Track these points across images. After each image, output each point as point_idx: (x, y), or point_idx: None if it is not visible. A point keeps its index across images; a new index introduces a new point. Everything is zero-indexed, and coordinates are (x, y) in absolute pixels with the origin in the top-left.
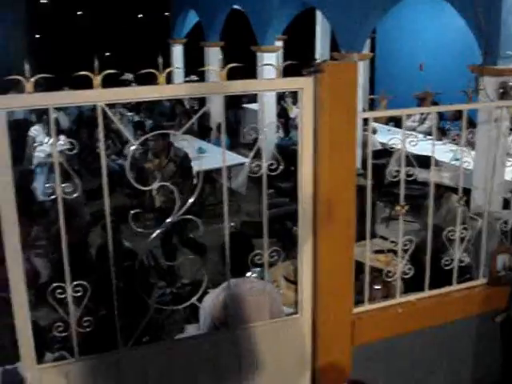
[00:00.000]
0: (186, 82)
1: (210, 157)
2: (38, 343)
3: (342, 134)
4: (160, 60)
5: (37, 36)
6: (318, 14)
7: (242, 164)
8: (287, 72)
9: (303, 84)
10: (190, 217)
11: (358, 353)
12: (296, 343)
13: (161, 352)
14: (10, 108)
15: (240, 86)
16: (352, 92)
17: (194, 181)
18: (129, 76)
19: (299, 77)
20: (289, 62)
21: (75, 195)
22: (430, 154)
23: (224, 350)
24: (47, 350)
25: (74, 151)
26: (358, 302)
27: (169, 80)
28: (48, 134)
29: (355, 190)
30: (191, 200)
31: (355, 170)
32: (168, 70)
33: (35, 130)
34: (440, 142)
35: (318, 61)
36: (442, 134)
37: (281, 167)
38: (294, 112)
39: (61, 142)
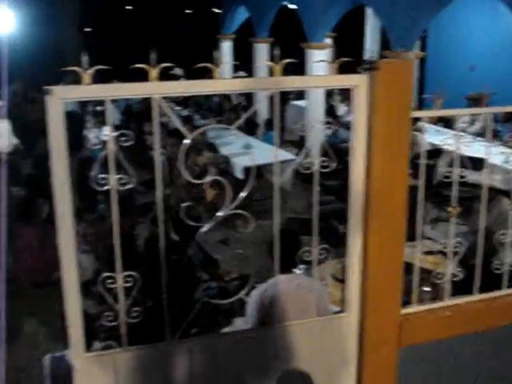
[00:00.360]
0: (234, 77)
1: (256, 153)
2: (86, 332)
3: (395, 133)
4: (216, 54)
5: (88, 30)
6: (368, 12)
7: (289, 161)
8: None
9: (357, 81)
10: (241, 212)
11: (404, 354)
12: (342, 342)
13: (207, 345)
14: (68, 99)
15: (294, 82)
16: (407, 91)
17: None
18: (178, 71)
19: (351, 74)
20: (344, 60)
21: (128, 187)
22: (480, 156)
23: (270, 346)
24: (95, 339)
25: (130, 143)
26: (406, 303)
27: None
28: (96, 126)
29: (407, 190)
30: (243, 194)
31: (407, 170)
32: (222, 64)
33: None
34: (492, 144)
35: (372, 58)
36: (494, 135)
37: (333, 165)
38: (341, 110)
39: (113, 134)
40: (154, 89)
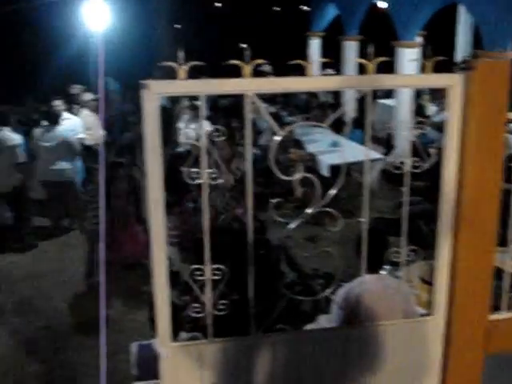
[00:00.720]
0: (323, 75)
1: (343, 151)
2: (173, 322)
3: (491, 135)
4: (308, 52)
5: (177, 26)
6: (460, 11)
7: (377, 160)
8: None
9: (452, 81)
10: (329, 209)
11: (490, 362)
12: (427, 345)
13: (291, 341)
14: (163, 93)
15: (388, 81)
16: (504, 92)
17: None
18: (267, 68)
19: (446, 74)
20: (438, 58)
21: (219, 181)
22: None
23: (354, 346)
24: (181, 330)
25: (223, 138)
26: (495, 309)
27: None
28: (190, 120)
29: (499, 194)
30: (332, 192)
31: (501, 173)
32: (313, 61)
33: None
34: None
35: (466, 58)
36: None
37: (424, 166)
38: (430, 110)
39: (206, 128)
40: (247, 85)
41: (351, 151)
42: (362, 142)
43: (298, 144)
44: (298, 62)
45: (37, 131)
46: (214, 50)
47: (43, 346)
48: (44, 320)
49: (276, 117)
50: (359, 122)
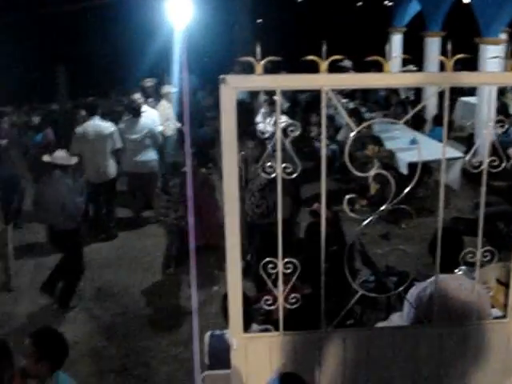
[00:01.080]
0: (404, 71)
1: (423, 148)
2: (245, 313)
3: None
4: (387, 48)
5: (258, 21)
6: None
7: (457, 158)
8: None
9: None
10: (404, 206)
11: None
12: (501, 348)
13: (361, 337)
14: (240, 88)
15: (468, 78)
16: None
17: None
18: (347, 63)
19: None
20: None
21: (294, 176)
22: None
23: (425, 345)
24: (253, 322)
25: (297, 133)
26: None
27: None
28: (269, 115)
29: None
30: (407, 189)
31: None
32: (393, 58)
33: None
34: None
35: None
36: None
37: (503, 165)
38: None
39: (283, 122)
40: (323, 81)
41: (430, 149)
42: (441, 140)
43: (377, 141)
44: (375, 58)
45: (122, 124)
46: (294, 45)
47: (119, 331)
48: (121, 307)
49: (355, 113)
50: (440, 120)
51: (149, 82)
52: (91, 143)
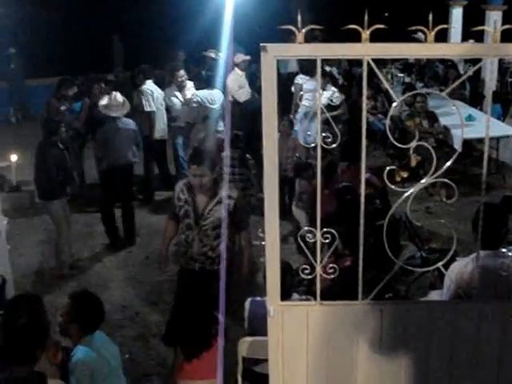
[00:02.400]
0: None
1: (479, 125)
2: (285, 282)
3: None
4: (430, 17)
5: None
6: None
7: None
8: None
9: None
10: (446, 180)
11: None
12: None
13: (399, 310)
14: (281, 56)
15: None
16: None
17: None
18: (420, 36)
19: None
20: None
21: (333, 146)
22: None
23: (464, 321)
24: (295, 291)
25: (338, 102)
26: None
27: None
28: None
29: None
30: (448, 163)
31: None
32: (438, 28)
33: (300, 79)
34: None
35: None
36: None
37: None
38: None
39: (329, 94)
40: (365, 50)
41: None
42: (499, 117)
43: (431, 116)
44: (417, 28)
45: (200, 93)
46: (338, 15)
47: (165, 298)
48: (168, 274)
49: (410, 88)
50: (498, 96)
51: (212, 53)
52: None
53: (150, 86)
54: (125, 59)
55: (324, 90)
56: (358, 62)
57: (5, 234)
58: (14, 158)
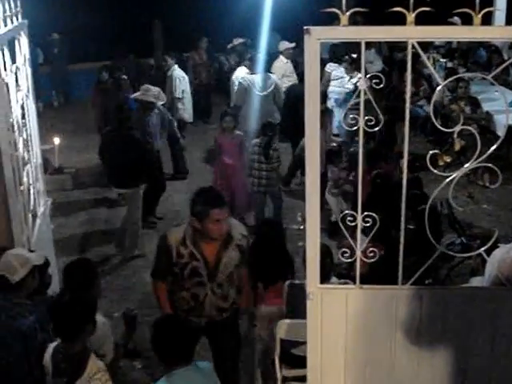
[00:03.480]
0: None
1: None
2: (324, 265)
3: None
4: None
5: None
6: None
7: None
8: None
9: None
10: (490, 165)
11: None
12: None
13: (439, 297)
14: (325, 39)
15: None
16: None
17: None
18: (457, 20)
19: None
20: None
21: (376, 129)
22: None
23: (505, 308)
24: (335, 275)
25: (381, 86)
26: None
27: None
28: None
29: None
30: (493, 148)
31: None
32: (484, 11)
33: (330, 66)
34: None
35: None
36: None
37: None
38: None
39: (355, 80)
40: (409, 32)
41: None
42: None
43: (474, 102)
44: (464, 10)
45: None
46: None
47: None
48: None
49: (453, 73)
50: None
51: (239, 40)
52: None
53: (179, 71)
54: (165, 44)
55: (351, 76)
56: (398, 47)
57: (49, 214)
58: (56, 141)
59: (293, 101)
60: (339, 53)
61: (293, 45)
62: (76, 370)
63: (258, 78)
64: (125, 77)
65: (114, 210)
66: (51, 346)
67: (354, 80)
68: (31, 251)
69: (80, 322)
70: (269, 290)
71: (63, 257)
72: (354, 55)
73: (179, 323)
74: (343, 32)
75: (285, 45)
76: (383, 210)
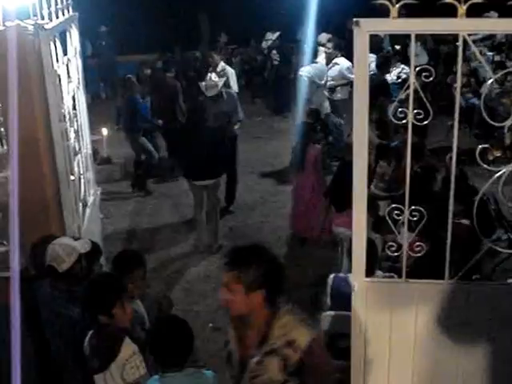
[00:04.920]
0: None
1: None
2: (370, 259)
3: None
4: None
5: None
6: None
7: None
8: None
9: None
10: None
11: None
12: None
13: (486, 292)
14: (374, 31)
15: None
16: None
17: None
18: (493, 14)
19: None
20: None
21: (425, 123)
22: None
23: None
24: (380, 269)
25: (430, 79)
26: None
27: None
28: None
29: None
30: None
31: None
32: None
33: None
34: None
35: None
36: None
37: None
38: None
39: (397, 71)
40: (460, 25)
41: None
42: None
43: None
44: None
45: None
46: None
47: None
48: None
49: (500, 65)
50: None
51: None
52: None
53: (227, 67)
54: (211, 37)
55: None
56: (444, 40)
57: (98, 203)
58: (105, 131)
59: None
60: (376, 43)
61: (329, 36)
62: (110, 353)
63: (320, 68)
64: (130, 76)
65: (158, 201)
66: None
67: (397, 71)
68: (77, 239)
69: (107, 300)
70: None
71: (109, 247)
72: (398, 47)
73: (178, 324)
74: (393, 24)
75: (324, 36)
76: (428, 205)
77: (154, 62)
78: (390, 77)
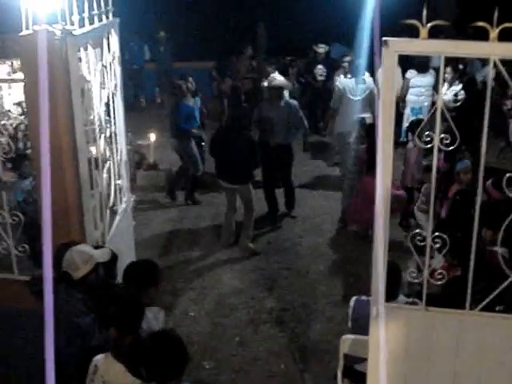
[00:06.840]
0: None
1: None
2: (392, 283)
3: None
4: None
5: None
6: None
7: None
8: None
9: None
10: None
11: None
12: None
13: (508, 326)
14: (402, 51)
15: None
16: None
17: None
18: None
19: None
20: None
21: (450, 148)
22: None
23: None
24: (403, 294)
25: (460, 103)
26: None
27: None
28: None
29: None
30: None
31: None
32: None
33: (410, 73)
34: None
35: None
36: None
37: None
38: None
39: (455, 90)
40: (493, 49)
41: None
42: None
43: None
44: None
45: (346, 81)
46: (461, 11)
47: (281, 285)
48: (288, 262)
49: None
50: None
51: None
52: None
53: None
54: (268, 47)
55: (451, 85)
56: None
57: (131, 212)
58: (152, 137)
59: None
60: (422, 60)
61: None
62: None
63: (352, 83)
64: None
65: (202, 209)
66: None
67: (454, 90)
68: (97, 247)
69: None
70: None
71: (145, 254)
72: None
73: (172, 340)
74: (422, 45)
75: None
76: (464, 229)
77: (210, 69)
78: (447, 96)
